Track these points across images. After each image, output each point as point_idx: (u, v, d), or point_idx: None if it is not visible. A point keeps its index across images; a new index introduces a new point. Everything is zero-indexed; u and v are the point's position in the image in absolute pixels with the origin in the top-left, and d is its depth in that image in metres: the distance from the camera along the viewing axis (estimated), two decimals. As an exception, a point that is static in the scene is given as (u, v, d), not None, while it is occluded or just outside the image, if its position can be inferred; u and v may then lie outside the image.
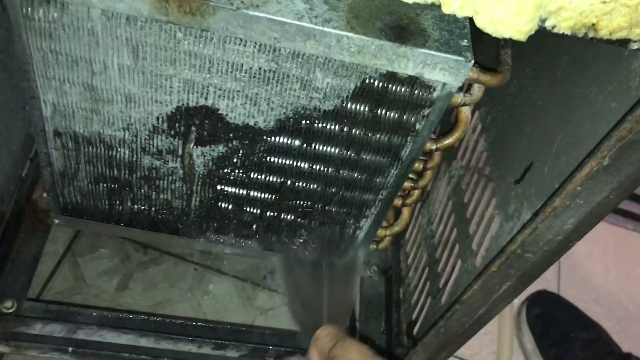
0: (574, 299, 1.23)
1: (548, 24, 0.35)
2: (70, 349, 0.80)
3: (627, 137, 0.42)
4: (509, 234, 0.62)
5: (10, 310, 0.79)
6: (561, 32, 0.36)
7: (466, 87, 0.63)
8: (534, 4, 0.33)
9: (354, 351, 0.54)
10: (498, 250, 0.62)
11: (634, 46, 0.36)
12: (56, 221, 0.83)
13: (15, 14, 0.56)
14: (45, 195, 0.90)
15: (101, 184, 0.76)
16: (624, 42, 0.36)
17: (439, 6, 0.34)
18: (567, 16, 0.34)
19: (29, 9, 0.56)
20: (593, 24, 0.35)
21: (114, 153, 0.71)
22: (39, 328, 0.78)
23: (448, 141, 0.68)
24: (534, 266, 0.56)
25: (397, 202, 0.79)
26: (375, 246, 0.89)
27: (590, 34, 0.36)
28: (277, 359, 0.83)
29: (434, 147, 0.69)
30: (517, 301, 1.21)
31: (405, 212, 0.80)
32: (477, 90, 0.62)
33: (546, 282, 1.28)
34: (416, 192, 0.77)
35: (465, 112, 0.65)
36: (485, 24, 0.34)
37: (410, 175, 0.76)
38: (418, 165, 0.73)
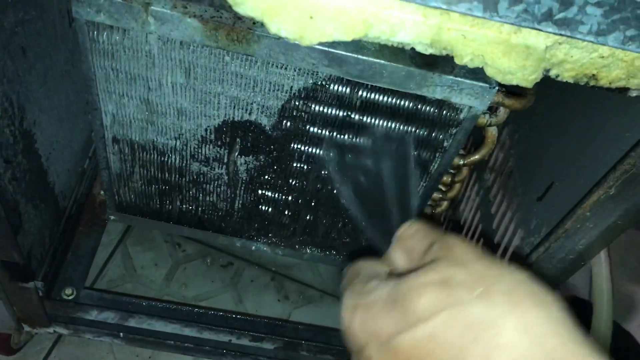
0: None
1: (552, 74, 0.39)
2: (121, 334, 0.88)
3: (630, 170, 0.46)
4: (529, 248, 0.66)
5: (70, 297, 0.87)
6: (564, 80, 0.40)
7: (493, 109, 0.67)
8: (538, 58, 0.37)
9: (464, 251, 0.37)
10: (518, 263, 0.66)
11: (633, 94, 0.40)
12: (112, 217, 0.90)
13: (83, 37, 0.63)
14: (102, 192, 0.98)
15: (153, 185, 0.83)
16: (623, 90, 0.40)
17: (453, 58, 0.38)
18: (569, 67, 0.38)
19: (95, 32, 0.62)
20: (593, 75, 0.38)
21: (166, 159, 0.78)
22: (94, 314, 0.85)
23: (475, 157, 0.72)
24: (549, 281, 0.60)
25: (427, 211, 0.84)
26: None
27: (592, 83, 0.39)
28: (310, 352, 0.89)
29: (462, 162, 0.73)
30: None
31: (435, 221, 0.85)
32: (502, 112, 0.66)
33: (577, 289, 1.29)
34: (445, 203, 0.81)
35: (492, 131, 0.69)
36: (494, 74, 0.39)
37: (440, 187, 0.80)
38: (447, 179, 0.77)
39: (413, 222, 0.44)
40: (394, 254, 0.44)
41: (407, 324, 0.35)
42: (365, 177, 0.53)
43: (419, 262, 0.40)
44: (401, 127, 0.68)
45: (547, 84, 0.70)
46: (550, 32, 0.34)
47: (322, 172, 0.76)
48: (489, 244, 0.78)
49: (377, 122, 0.67)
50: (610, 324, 0.83)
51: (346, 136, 0.70)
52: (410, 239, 0.43)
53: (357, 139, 0.71)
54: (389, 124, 0.68)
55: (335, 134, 0.69)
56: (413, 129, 0.68)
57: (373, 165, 0.53)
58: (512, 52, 0.37)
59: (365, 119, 0.67)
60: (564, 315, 0.33)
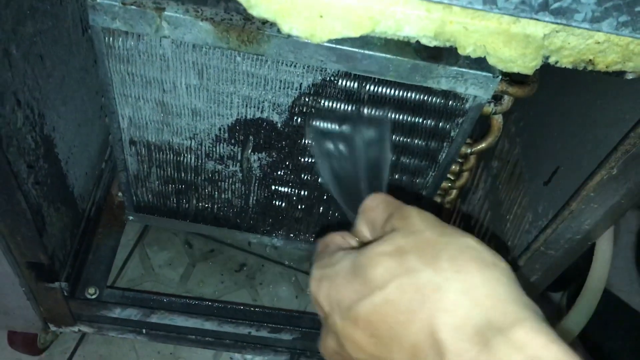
0: (617, 290, 1.26)
1: (551, 60, 0.41)
2: (144, 330, 0.91)
3: (631, 150, 0.48)
4: (537, 231, 0.68)
5: (94, 296, 0.90)
6: (563, 66, 0.42)
7: (497, 97, 0.69)
8: (537, 46, 0.39)
9: (417, 220, 0.40)
10: (526, 246, 0.68)
11: (629, 76, 0.42)
12: (130, 218, 0.93)
13: (99, 43, 0.65)
14: (120, 194, 1.01)
15: (170, 185, 0.86)
16: (620, 74, 0.42)
17: (456, 49, 0.40)
18: (567, 54, 0.40)
19: (111, 38, 0.65)
20: (590, 60, 0.40)
21: (182, 158, 0.80)
22: (118, 312, 0.88)
23: (481, 146, 0.74)
24: (557, 262, 0.62)
25: (437, 200, 0.86)
26: (417, 240, 0.95)
27: (589, 68, 0.41)
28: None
29: (469, 150, 0.75)
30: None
31: (444, 210, 0.87)
32: (507, 101, 0.68)
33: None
34: (454, 192, 0.83)
35: (497, 119, 0.71)
36: (496, 63, 0.41)
37: (449, 176, 0.82)
38: (455, 168, 0.79)
39: (376, 195, 0.47)
40: (359, 226, 0.46)
41: (365, 292, 0.38)
42: (342, 151, 0.55)
43: (380, 233, 0.43)
44: (407, 119, 0.70)
45: (549, 71, 0.72)
46: (547, 21, 0.36)
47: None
48: (499, 229, 0.80)
49: (385, 114, 0.70)
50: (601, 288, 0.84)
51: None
52: (372, 211, 0.45)
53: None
54: (397, 116, 0.70)
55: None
56: (420, 120, 0.70)
57: (351, 139, 0.56)
58: (512, 41, 0.39)
59: (373, 112, 0.69)
60: (506, 277, 0.36)
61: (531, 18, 0.36)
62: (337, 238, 0.47)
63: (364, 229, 0.46)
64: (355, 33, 0.41)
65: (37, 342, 1.01)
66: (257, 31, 0.60)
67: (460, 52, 0.41)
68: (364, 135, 0.55)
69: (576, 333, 0.80)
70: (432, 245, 0.37)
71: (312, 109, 0.70)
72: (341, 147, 0.55)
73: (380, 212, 0.44)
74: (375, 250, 0.39)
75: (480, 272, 0.35)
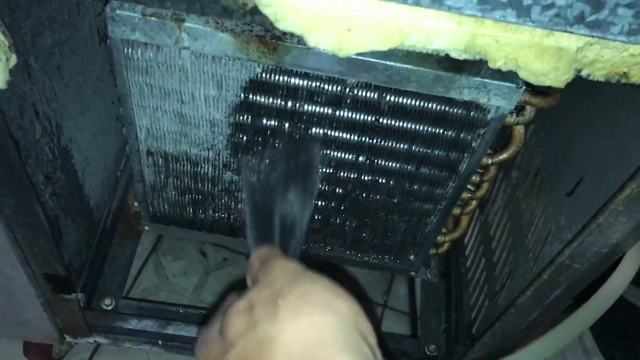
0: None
1: (583, 73, 0.41)
2: (160, 341, 0.90)
3: (663, 164, 0.47)
4: (560, 244, 0.67)
5: (110, 307, 0.89)
6: (596, 80, 0.41)
7: (519, 108, 0.68)
8: (570, 59, 0.38)
9: (276, 272, 0.42)
10: (550, 259, 0.66)
11: (664, 89, 0.41)
12: (146, 228, 0.92)
13: (118, 54, 0.65)
14: (136, 204, 1.00)
15: (186, 195, 0.85)
16: (654, 86, 0.41)
17: (486, 62, 0.40)
18: (600, 67, 0.39)
19: (130, 49, 0.64)
20: (625, 73, 0.39)
21: (199, 169, 0.80)
22: (134, 323, 0.87)
23: (503, 156, 0.73)
24: (582, 276, 0.61)
25: (456, 211, 0.85)
26: (435, 251, 0.94)
27: (623, 80, 0.40)
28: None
29: (489, 161, 0.74)
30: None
31: (464, 220, 0.86)
32: (529, 111, 0.67)
33: None
34: (474, 202, 0.82)
35: (519, 130, 0.70)
36: (527, 76, 0.40)
37: (468, 187, 0.81)
38: (475, 178, 0.78)
39: (258, 250, 0.48)
40: (247, 282, 0.48)
41: (224, 352, 0.39)
42: (267, 190, 0.56)
43: None
44: (428, 129, 0.69)
45: (572, 80, 0.71)
46: (582, 34, 0.35)
47: (350, 176, 0.77)
48: (519, 241, 0.79)
49: (405, 125, 0.69)
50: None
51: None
52: (252, 267, 0.47)
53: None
54: (417, 126, 0.69)
55: (365, 138, 0.71)
56: (441, 130, 0.69)
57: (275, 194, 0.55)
58: (545, 54, 0.38)
59: (393, 123, 0.69)
60: (337, 319, 0.37)
61: (565, 31, 0.35)
62: (233, 297, 0.46)
63: (250, 285, 0.47)
64: (383, 47, 0.40)
65: (52, 353, 1.00)
66: (276, 42, 0.60)
67: (491, 65, 0.40)
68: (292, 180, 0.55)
69: (575, 336, 0.76)
70: (277, 296, 0.38)
71: (332, 120, 0.69)
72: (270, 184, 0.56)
73: (257, 268, 0.46)
74: (233, 309, 0.40)
75: (311, 317, 0.36)
